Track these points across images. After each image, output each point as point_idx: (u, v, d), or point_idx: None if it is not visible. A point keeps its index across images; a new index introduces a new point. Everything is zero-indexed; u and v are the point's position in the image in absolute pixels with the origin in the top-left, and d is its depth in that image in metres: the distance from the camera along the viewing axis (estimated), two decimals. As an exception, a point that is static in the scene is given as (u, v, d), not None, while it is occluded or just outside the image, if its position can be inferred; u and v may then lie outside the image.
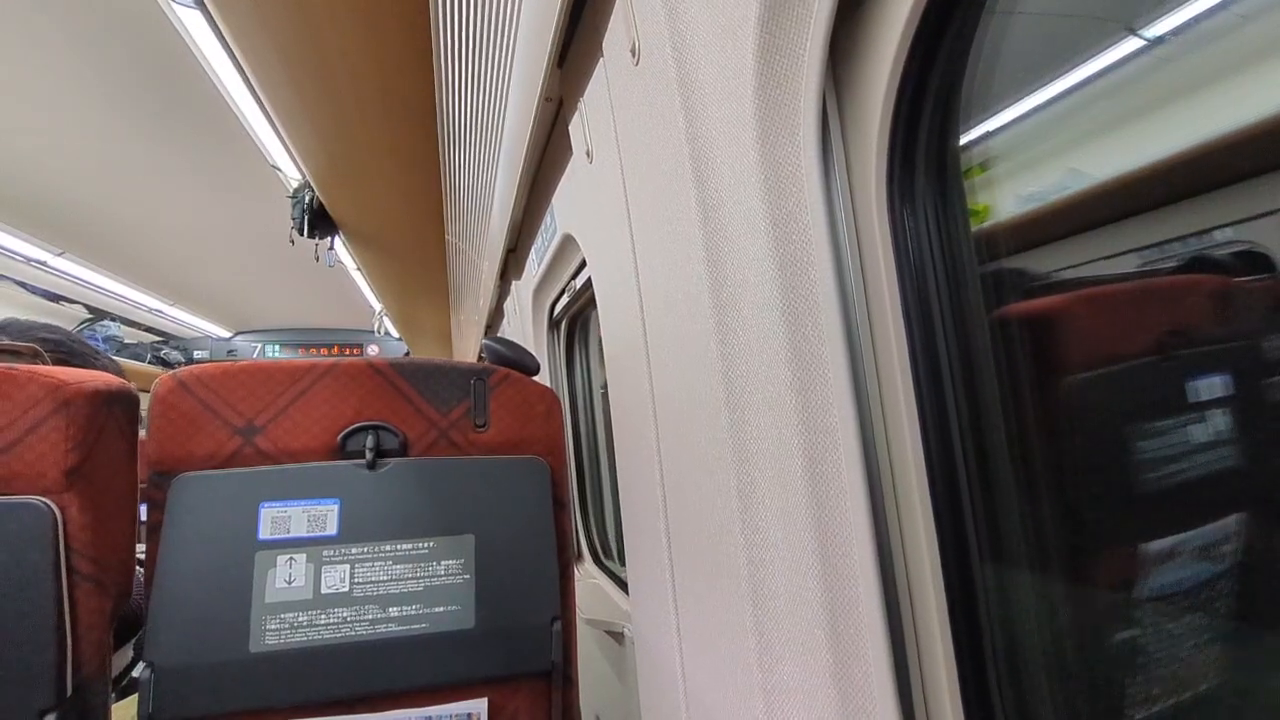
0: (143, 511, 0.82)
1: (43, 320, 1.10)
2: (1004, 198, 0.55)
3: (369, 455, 0.86)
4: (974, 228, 0.55)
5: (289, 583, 0.80)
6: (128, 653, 1.13)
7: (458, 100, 1.45)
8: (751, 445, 0.60)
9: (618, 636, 1.36)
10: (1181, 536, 0.47)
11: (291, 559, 0.81)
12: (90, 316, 5.44)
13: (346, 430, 0.86)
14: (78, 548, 0.71)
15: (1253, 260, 0.41)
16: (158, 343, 6.60)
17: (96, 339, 5.47)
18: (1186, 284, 0.46)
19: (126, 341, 6.04)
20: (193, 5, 1.66)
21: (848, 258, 0.57)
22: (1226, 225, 0.42)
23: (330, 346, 7.31)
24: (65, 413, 0.71)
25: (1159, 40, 0.44)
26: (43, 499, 0.69)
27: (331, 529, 0.83)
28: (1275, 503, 0.43)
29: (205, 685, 0.75)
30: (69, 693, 0.68)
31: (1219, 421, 0.45)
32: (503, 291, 2.55)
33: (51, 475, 0.70)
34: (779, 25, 0.51)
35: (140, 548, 0.83)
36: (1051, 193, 0.52)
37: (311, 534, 0.82)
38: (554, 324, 2.09)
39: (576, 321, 2.06)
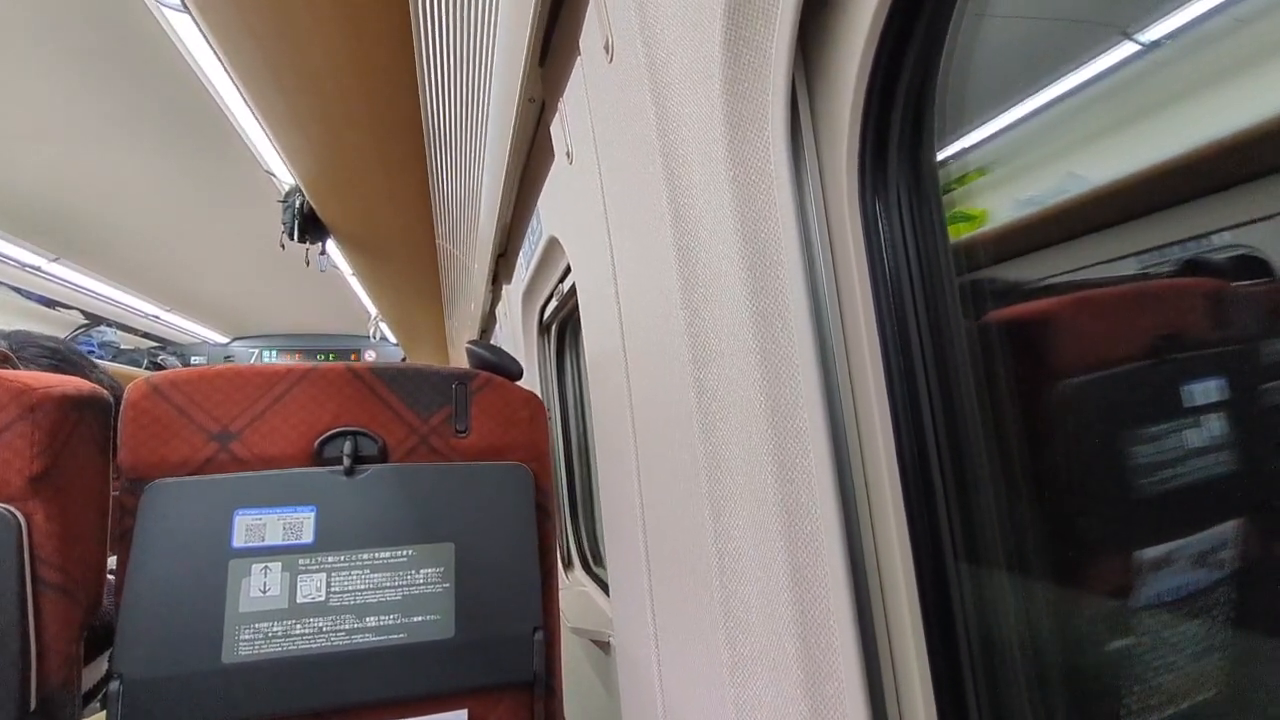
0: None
1: (39, 330, 1.09)
2: (978, 195, 0.54)
3: (347, 461, 0.84)
4: (953, 231, 0.53)
5: (263, 592, 0.79)
6: (103, 665, 1.11)
7: (442, 103, 1.44)
8: (722, 451, 0.58)
9: (604, 646, 1.34)
10: (1160, 544, 0.46)
11: (266, 567, 0.79)
12: (86, 322, 5.43)
13: (324, 436, 0.85)
14: (44, 556, 0.70)
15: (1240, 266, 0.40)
16: (154, 348, 6.59)
17: (92, 345, 5.46)
18: (1164, 290, 0.45)
19: (123, 347, 6.03)
20: (181, 9, 1.66)
21: (819, 255, 0.55)
22: (1197, 237, 0.41)
23: (326, 352, 7.28)
24: (31, 418, 0.69)
25: (1153, 43, 0.43)
26: (6, 506, 0.68)
27: (308, 537, 0.81)
28: (1257, 510, 0.42)
29: (176, 697, 0.73)
30: (33, 707, 0.67)
31: (1193, 430, 0.44)
32: (494, 296, 2.54)
33: (16, 482, 0.69)
34: (745, 15, 0.50)
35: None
36: (1033, 194, 0.51)
37: (287, 542, 0.80)
38: (544, 328, 2.07)
39: (566, 326, 2.05)
